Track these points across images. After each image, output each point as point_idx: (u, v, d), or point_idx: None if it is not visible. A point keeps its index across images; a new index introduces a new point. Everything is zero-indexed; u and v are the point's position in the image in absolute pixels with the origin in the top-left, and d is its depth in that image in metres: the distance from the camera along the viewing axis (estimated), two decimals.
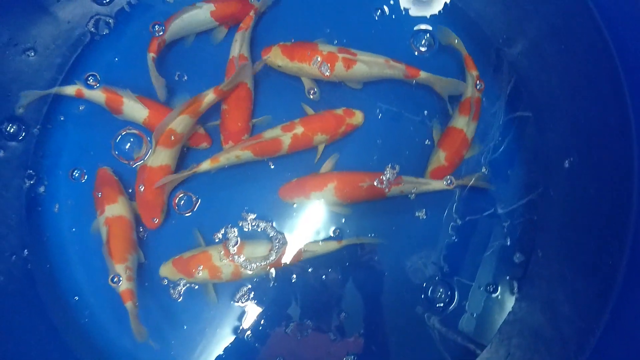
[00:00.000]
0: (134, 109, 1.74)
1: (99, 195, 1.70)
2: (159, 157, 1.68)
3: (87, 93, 1.78)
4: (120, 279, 1.61)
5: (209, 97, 1.69)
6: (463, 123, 1.77)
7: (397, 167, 1.75)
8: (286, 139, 1.71)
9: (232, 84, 1.71)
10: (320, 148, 1.79)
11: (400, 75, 1.78)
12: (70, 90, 1.78)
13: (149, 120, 1.74)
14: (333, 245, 1.70)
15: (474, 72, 1.80)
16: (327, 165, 1.78)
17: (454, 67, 1.88)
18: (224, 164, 1.70)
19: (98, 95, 1.76)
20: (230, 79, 1.69)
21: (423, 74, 1.77)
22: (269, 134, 1.72)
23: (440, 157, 1.76)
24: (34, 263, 1.76)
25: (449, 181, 1.75)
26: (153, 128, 1.71)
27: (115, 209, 1.68)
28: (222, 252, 1.65)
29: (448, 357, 1.74)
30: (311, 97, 1.84)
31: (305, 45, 1.78)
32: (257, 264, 1.67)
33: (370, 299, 1.75)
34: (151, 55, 1.78)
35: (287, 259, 1.70)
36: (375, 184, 1.70)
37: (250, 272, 1.66)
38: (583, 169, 1.76)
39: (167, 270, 1.68)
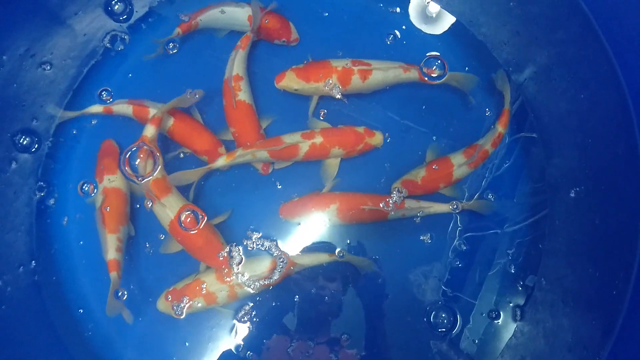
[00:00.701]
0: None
1: (101, 167, 1.75)
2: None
3: (115, 108, 1.81)
4: (109, 250, 1.67)
5: (149, 130, 1.71)
6: (458, 162, 1.77)
7: (405, 191, 1.75)
8: (304, 147, 1.73)
9: (167, 108, 1.74)
10: (336, 164, 1.80)
11: (416, 76, 1.80)
12: (98, 108, 1.81)
13: (174, 129, 1.77)
14: (324, 258, 1.70)
15: (500, 128, 1.80)
16: (327, 175, 1.80)
17: (464, 94, 1.89)
18: (240, 161, 1.72)
19: (125, 108, 1.80)
20: (166, 105, 1.73)
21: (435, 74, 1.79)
22: (289, 138, 1.73)
23: (419, 174, 1.76)
24: (41, 274, 1.77)
25: (454, 206, 1.75)
26: (179, 136, 1.76)
27: (113, 180, 1.73)
28: (215, 276, 1.66)
29: None
30: (321, 117, 1.86)
31: (318, 64, 1.80)
32: (260, 282, 1.68)
33: (372, 321, 1.74)
34: (177, 30, 1.83)
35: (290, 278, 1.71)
36: (380, 205, 1.71)
37: (252, 291, 1.67)
38: (590, 199, 1.76)
39: (163, 306, 1.68)
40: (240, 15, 1.85)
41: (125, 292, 1.69)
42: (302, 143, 1.73)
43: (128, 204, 1.76)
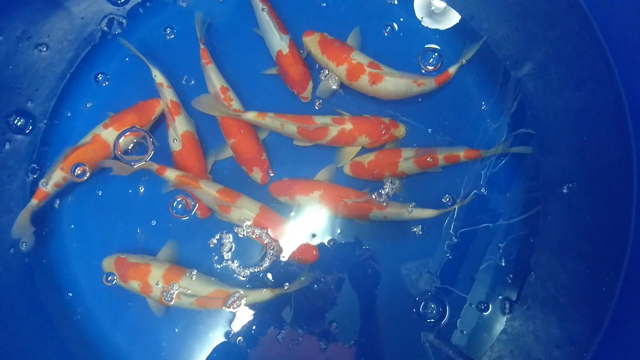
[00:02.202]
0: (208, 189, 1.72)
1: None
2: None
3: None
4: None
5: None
6: (406, 155, 1.76)
7: (392, 189, 1.76)
8: (333, 131, 1.75)
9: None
10: (355, 152, 1.81)
11: (432, 87, 1.81)
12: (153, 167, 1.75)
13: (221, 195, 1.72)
14: (266, 295, 1.68)
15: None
16: (324, 173, 1.80)
17: (460, 87, 1.89)
18: (268, 124, 1.75)
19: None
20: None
21: (452, 70, 1.81)
22: (320, 120, 1.75)
23: (368, 158, 1.78)
24: (32, 257, 1.78)
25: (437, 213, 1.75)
26: (223, 210, 1.72)
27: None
28: (163, 274, 1.66)
29: None
30: (316, 107, 1.86)
31: (341, 46, 1.81)
32: (252, 270, 1.68)
33: (362, 310, 1.75)
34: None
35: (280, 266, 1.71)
36: (361, 201, 1.71)
37: (186, 306, 1.67)
38: (582, 196, 1.76)
39: (107, 265, 1.70)
40: (274, 41, 1.82)
41: (115, 278, 1.69)
42: (332, 127, 1.75)
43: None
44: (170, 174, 1.70)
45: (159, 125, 1.85)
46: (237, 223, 1.70)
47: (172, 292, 1.65)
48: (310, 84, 1.83)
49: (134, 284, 1.66)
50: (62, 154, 1.72)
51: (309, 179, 1.79)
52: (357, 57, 1.79)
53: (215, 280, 1.69)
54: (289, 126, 1.74)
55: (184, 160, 1.74)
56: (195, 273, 1.68)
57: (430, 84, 1.80)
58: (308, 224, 1.78)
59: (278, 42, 1.79)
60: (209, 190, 1.68)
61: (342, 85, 1.85)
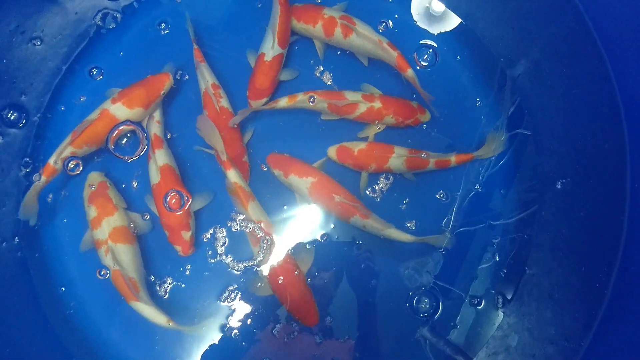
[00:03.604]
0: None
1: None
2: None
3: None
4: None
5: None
6: (399, 153, 1.76)
7: (386, 185, 1.76)
8: (362, 107, 1.77)
9: None
10: (375, 131, 1.83)
11: (392, 62, 1.81)
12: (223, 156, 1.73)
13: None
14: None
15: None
16: (320, 163, 1.80)
17: (455, 83, 1.90)
18: (300, 104, 1.78)
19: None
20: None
21: (410, 72, 1.79)
22: (350, 95, 1.77)
23: (359, 146, 1.78)
24: (25, 251, 1.77)
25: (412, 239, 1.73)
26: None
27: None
28: (111, 232, 1.65)
29: None
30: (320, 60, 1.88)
31: (311, 8, 1.84)
32: (245, 264, 1.68)
33: (357, 305, 1.75)
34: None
35: (273, 260, 1.71)
36: (349, 203, 1.70)
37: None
38: (575, 191, 1.77)
39: (92, 178, 1.73)
40: None
41: (108, 272, 1.69)
42: (361, 103, 1.77)
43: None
44: (231, 176, 1.70)
45: (171, 100, 1.85)
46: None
47: (104, 249, 1.65)
48: (264, 100, 1.82)
49: (92, 212, 1.68)
50: (72, 132, 1.70)
51: (308, 164, 1.78)
52: (329, 12, 1.82)
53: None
54: (320, 102, 1.77)
55: (161, 193, 1.71)
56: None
57: (392, 55, 1.79)
58: (302, 219, 1.78)
59: (268, 47, 1.78)
60: (251, 216, 1.68)
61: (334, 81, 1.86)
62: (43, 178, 1.69)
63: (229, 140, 1.76)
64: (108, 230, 1.66)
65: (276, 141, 1.85)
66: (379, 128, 1.83)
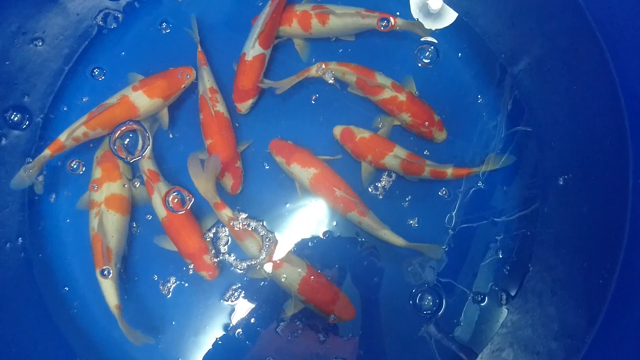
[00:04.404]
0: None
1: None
2: None
3: None
4: None
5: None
6: (397, 153, 1.76)
7: (388, 182, 1.76)
8: (387, 93, 1.77)
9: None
10: (389, 124, 1.82)
11: (375, 25, 1.81)
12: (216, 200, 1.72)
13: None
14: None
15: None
16: (325, 158, 1.80)
17: (456, 80, 1.90)
18: (332, 72, 1.79)
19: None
20: None
21: (400, 21, 1.80)
22: (381, 78, 1.78)
23: (362, 134, 1.77)
24: (29, 251, 1.78)
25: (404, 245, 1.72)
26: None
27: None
28: (106, 198, 1.68)
29: None
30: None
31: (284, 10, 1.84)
32: (249, 262, 1.68)
33: (360, 303, 1.75)
34: None
35: (277, 258, 1.72)
36: (349, 199, 1.70)
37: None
38: (578, 187, 1.77)
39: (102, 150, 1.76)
40: None
41: (112, 271, 1.69)
42: (388, 89, 1.77)
43: None
44: (223, 216, 1.69)
45: (189, 96, 1.85)
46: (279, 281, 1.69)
47: (95, 211, 1.67)
48: (250, 102, 1.80)
49: (97, 173, 1.72)
50: (89, 113, 1.70)
51: (312, 154, 1.78)
52: (300, 7, 1.83)
53: None
54: (350, 75, 1.78)
55: (172, 225, 1.70)
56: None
57: (372, 20, 1.80)
58: (304, 216, 1.78)
59: (249, 46, 1.77)
60: (250, 250, 1.69)
61: (336, 80, 1.85)
62: (47, 152, 1.68)
63: (223, 144, 1.75)
64: (106, 195, 1.68)
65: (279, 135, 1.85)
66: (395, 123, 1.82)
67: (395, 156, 1.74)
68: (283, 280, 1.66)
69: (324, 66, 1.80)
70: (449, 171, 1.75)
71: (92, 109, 1.71)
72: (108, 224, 1.65)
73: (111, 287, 1.62)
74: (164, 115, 1.80)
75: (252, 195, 1.80)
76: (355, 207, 1.70)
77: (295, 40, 1.88)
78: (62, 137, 1.69)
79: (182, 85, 1.77)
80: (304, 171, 1.73)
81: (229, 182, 1.75)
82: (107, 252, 1.63)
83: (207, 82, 1.79)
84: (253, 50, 1.76)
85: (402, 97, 1.77)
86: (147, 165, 1.75)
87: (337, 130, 1.80)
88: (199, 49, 1.83)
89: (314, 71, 1.79)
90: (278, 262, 1.68)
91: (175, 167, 1.82)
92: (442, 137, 1.82)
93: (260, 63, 1.78)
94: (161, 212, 1.70)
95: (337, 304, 1.69)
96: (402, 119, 1.80)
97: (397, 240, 1.70)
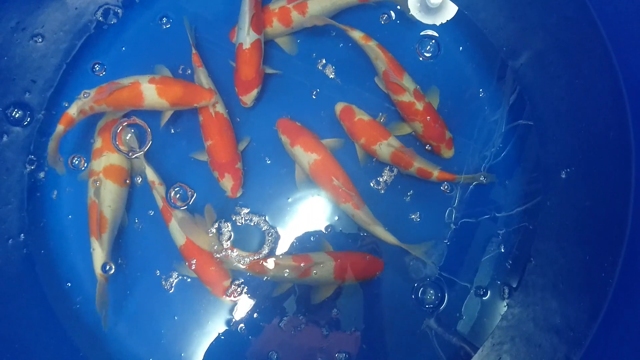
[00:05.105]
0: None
1: None
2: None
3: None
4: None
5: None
6: (390, 142, 1.75)
7: (390, 177, 1.76)
8: (406, 97, 1.75)
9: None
10: (403, 132, 1.82)
11: (354, 1, 1.81)
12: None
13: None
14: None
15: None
16: (329, 142, 1.79)
17: (457, 74, 1.89)
18: (369, 48, 1.78)
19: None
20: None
21: None
22: (407, 82, 1.76)
23: (361, 116, 1.78)
24: (31, 248, 1.78)
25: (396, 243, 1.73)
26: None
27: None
28: (104, 167, 1.70)
29: (442, 356, 1.74)
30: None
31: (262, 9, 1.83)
32: (250, 258, 1.69)
33: (362, 297, 1.76)
34: None
35: (279, 252, 1.72)
36: (347, 190, 1.70)
37: None
38: (580, 180, 1.77)
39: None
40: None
41: (113, 266, 1.69)
42: (408, 93, 1.75)
43: None
44: (229, 263, 1.68)
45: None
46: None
47: (93, 180, 1.69)
48: (254, 92, 1.78)
49: (98, 143, 1.74)
50: (99, 88, 1.70)
51: (317, 138, 1.77)
52: (275, 5, 1.82)
53: None
54: (379, 62, 1.77)
55: (191, 253, 1.70)
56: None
57: None
58: (305, 211, 1.79)
59: (244, 35, 1.75)
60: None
61: (337, 75, 1.85)
62: (61, 127, 1.68)
63: (223, 145, 1.74)
64: (105, 164, 1.70)
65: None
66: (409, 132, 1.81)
67: (388, 145, 1.74)
68: (315, 275, 1.65)
69: (364, 40, 1.78)
70: (435, 173, 1.75)
71: (103, 85, 1.71)
72: (105, 194, 1.67)
73: (99, 256, 1.65)
74: (165, 116, 1.78)
75: (253, 190, 1.80)
76: (350, 199, 1.70)
77: (277, 40, 1.86)
78: (71, 111, 1.69)
79: (195, 104, 1.73)
80: (306, 155, 1.72)
81: (228, 183, 1.74)
82: (102, 221, 1.65)
83: (204, 84, 1.78)
84: (249, 37, 1.74)
85: (419, 106, 1.76)
86: (159, 192, 1.73)
87: (339, 106, 1.80)
88: (194, 51, 1.82)
89: (356, 35, 1.79)
90: (303, 269, 1.64)
91: (177, 162, 1.82)
92: (449, 154, 1.81)
93: (258, 48, 1.77)
94: (180, 239, 1.70)
95: (370, 266, 1.70)
96: (414, 127, 1.80)
97: (389, 237, 1.71)
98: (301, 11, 1.80)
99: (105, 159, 1.71)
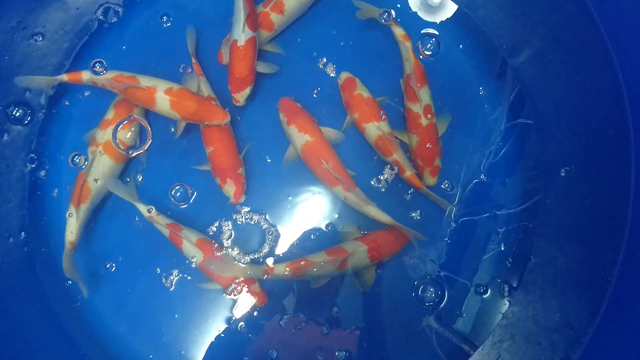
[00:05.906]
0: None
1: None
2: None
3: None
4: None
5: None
6: (384, 128, 1.76)
7: (390, 175, 1.76)
8: (416, 108, 1.76)
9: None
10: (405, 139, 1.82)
11: None
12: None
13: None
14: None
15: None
16: (329, 131, 1.79)
17: (457, 72, 1.89)
18: (403, 48, 1.82)
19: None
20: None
21: None
22: (423, 93, 1.77)
23: (367, 95, 1.78)
24: (31, 246, 1.78)
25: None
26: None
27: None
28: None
29: (442, 355, 1.75)
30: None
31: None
32: (252, 256, 1.69)
33: (362, 295, 1.76)
34: None
35: (279, 251, 1.72)
36: (336, 174, 1.68)
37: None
38: (580, 178, 1.77)
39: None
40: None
41: (114, 265, 1.70)
42: (418, 106, 1.75)
43: None
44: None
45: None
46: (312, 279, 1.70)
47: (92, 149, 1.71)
48: (247, 90, 1.76)
49: (110, 114, 1.75)
50: (118, 75, 1.71)
51: (315, 121, 1.77)
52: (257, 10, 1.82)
53: None
54: (407, 64, 1.80)
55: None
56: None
57: None
58: (306, 209, 1.79)
59: (238, 32, 1.73)
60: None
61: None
62: (65, 77, 1.72)
63: (224, 151, 1.73)
64: (107, 138, 1.70)
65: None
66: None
67: (377, 128, 1.74)
68: (352, 264, 1.66)
69: (404, 39, 1.81)
70: (407, 174, 1.74)
71: (123, 72, 1.72)
72: (98, 166, 1.67)
73: (73, 226, 1.65)
74: (180, 127, 1.77)
75: (254, 188, 1.80)
76: (338, 183, 1.69)
77: (265, 47, 1.86)
78: (85, 76, 1.72)
79: (206, 122, 1.72)
80: (299, 136, 1.72)
81: (230, 189, 1.73)
82: (85, 192, 1.66)
83: (204, 92, 1.78)
84: (244, 34, 1.72)
85: (423, 121, 1.75)
86: (164, 219, 1.72)
87: (343, 75, 1.81)
88: (194, 60, 1.82)
89: (397, 32, 1.81)
90: (340, 262, 1.63)
91: (177, 161, 1.82)
92: (430, 182, 1.78)
93: (253, 46, 1.75)
94: (198, 257, 1.68)
95: (397, 238, 1.71)
96: (410, 139, 1.79)
97: (383, 217, 1.68)
98: (279, 10, 1.79)
99: (110, 133, 1.71)
